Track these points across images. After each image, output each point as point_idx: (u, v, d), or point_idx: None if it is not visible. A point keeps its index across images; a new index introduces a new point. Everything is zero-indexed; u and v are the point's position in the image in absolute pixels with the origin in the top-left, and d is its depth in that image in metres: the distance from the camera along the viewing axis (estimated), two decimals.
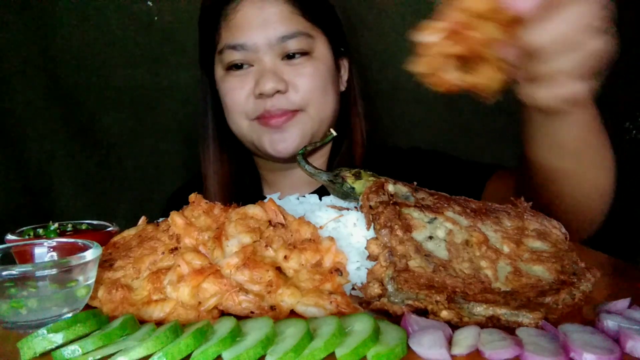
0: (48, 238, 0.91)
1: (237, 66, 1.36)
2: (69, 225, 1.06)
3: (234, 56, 1.35)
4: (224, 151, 1.52)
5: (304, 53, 1.35)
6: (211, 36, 1.41)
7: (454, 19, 0.70)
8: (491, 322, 0.68)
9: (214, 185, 1.50)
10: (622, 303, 0.71)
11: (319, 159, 1.50)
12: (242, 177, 1.56)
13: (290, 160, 1.40)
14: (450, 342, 0.62)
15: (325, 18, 1.42)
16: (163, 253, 0.82)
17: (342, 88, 1.50)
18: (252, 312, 0.72)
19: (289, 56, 1.34)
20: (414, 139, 1.94)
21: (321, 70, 1.37)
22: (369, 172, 0.95)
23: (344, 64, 1.50)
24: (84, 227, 1.06)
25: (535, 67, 0.74)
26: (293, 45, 1.33)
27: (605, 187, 1.05)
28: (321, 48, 1.39)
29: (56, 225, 1.04)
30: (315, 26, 1.38)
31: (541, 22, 0.70)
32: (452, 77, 0.72)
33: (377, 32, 2.00)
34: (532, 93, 0.78)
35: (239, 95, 1.36)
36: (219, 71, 1.41)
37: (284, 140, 1.35)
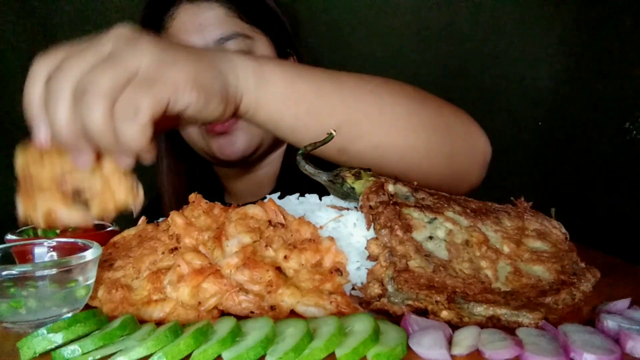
0: (48, 238, 0.90)
1: None
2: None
3: None
4: (180, 163, 1.50)
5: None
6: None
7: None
8: (491, 322, 0.68)
9: (170, 198, 1.48)
10: (622, 303, 0.71)
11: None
12: (202, 187, 1.54)
13: (244, 165, 1.39)
14: (450, 342, 0.62)
15: (265, 19, 1.40)
16: (163, 253, 0.82)
17: None
18: (252, 312, 0.72)
19: None
20: None
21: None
22: (369, 172, 0.95)
23: (291, 60, 1.48)
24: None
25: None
26: (231, 47, 1.31)
27: (417, 129, 0.95)
28: (261, 49, 1.37)
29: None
30: (254, 27, 1.36)
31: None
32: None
33: (377, 33, 2.00)
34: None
35: None
36: None
37: (232, 144, 1.34)
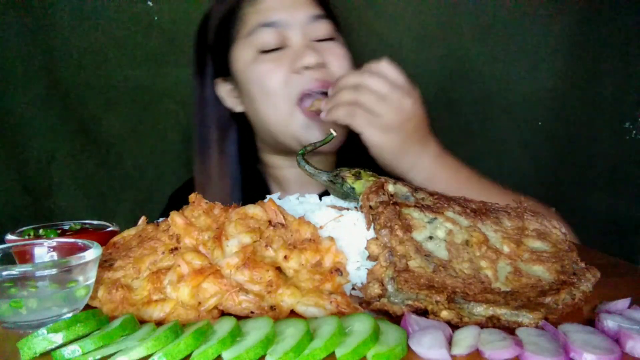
0: (48, 238, 0.90)
1: (267, 52, 1.35)
2: (69, 225, 1.06)
3: (267, 34, 1.34)
4: (226, 155, 1.50)
5: (330, 39, 1.38)
6: (232, 25, 1.40)
7: None
8: (491, 322, 0.68)
9: (217, 189, 1.47)
10: (622, 303, 0.71)
11: (324, 161, 1.49)
12: (247, 178, 1.54)
13: (330, 151, 1.41)
14: (450, 342, 0.62)
15: (337, 17, 1.46)
16: (163, 253, 0.82)
17: None
18: (252, 312, 0.72)
19: (317, 41, 1.37)
20: None
21: (348, 55, 1.41)
22: (369, 172, 0.95)
23: None
24: (83, 227, 1.06)
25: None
26: (322, 27, 1.37)
27: None
28: (341, 38, 1.43)
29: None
30: (331, 19, 1.42)
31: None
32: None
33: (377, 33, 2.00)
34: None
35: (278, 76, 1.33)
36: (245, 56, 1.38)
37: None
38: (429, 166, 1.26)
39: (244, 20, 1.38)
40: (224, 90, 1.49)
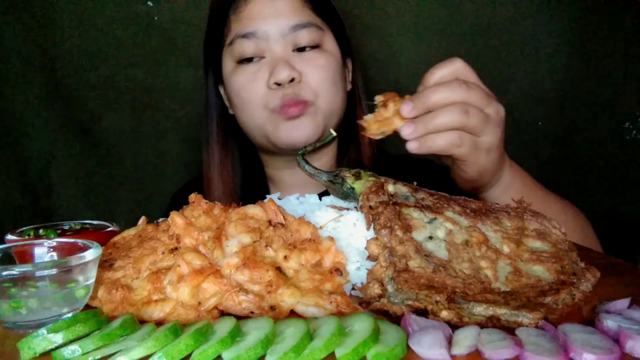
0: (48, 238, 0.90)
1: (248, 60, 1.35)
2: (69, 225, 1.06)
3: (245, 46, 1.34)
4: (228, 152, 1.52)
5: (314, 46, 1.36)
6: (220, 31, 1.40)
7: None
8: (491, 322, 0.68)
9: (219, 187, 1.50)
10: (622, 303, 0.71)
11: (326, 162, 1.50)
12: (247, 178, 1.55)
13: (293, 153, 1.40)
14: (450, 342, 0.62)
15: (332, 15, 1.43)
16: (163, 253, 0.82)
17: (348, 87, 1.50)
18: (252, 312, 0.72)
19: (299, 49, 1.35)
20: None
21: (331, 63, 1.38)
22: (368, 172, 0.95)
23: (348, 64, 1.51)
24: (83, 227, 1.06)
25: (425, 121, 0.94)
26: (304, 36, 1.34)
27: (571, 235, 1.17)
28: (330, 42, 1.40)
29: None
30: (324, 21, 1.39)
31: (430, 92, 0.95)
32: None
33: (377, 33, 2.00)
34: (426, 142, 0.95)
35: (255, 87, 1.34)
36: (228, 65, 1.40)
37: (299, 129, 1.34)
38: (507, 177, 1.14)
39: (229, 28, 1.38)
40: (222, 93, 1.52)
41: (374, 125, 0.97)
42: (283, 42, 1.33)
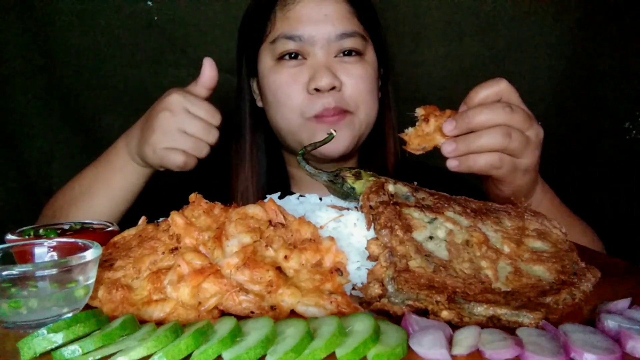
0: (48, 238, 0.90)
1: (290, 56, 1.34)
2: (69, 225, 1.06)
3: (289, 46, 1.33)
4: (256, 146, 1.51)
5: (357, 53, 1.36)
6: (262, 24, 1.39)
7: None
8: (491, 322, 0.68)
9: (247, 181, 1.48)
10: (623, 303, 0.71)
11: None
12: (271, 174, 1.54)
13: (335, 160, 1.39)
14: (450, 342, 0.62)
15: (375, 24, 1.43)
16: (163, 253, 0.82)
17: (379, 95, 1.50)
18: (252, 312, 0.72)
19: (343, 54, 1.35)
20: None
21: (370, 74, 1.38)
22: (369, 172, 0.95)
23: (380, 72, 1.51)
24: (84, 227, 1.06)
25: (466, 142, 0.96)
26: (349, 43, 1.34)
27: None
28: (371, 52, 1.40)
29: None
30: (368, 31, 1.39)
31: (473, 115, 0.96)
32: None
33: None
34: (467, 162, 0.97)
35: (293, 90, 1.34)
36: (267, 62, 1.39)
37: (336, 140, 1.34)
38: (538, 195, 1.16)
39: (273, 24, 1.37)
40: (254, 86, 1.51)
41: (415, 140, 0.99)
42: (327, 48, 1.33)
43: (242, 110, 1.51)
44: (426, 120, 0.99)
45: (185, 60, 1.95)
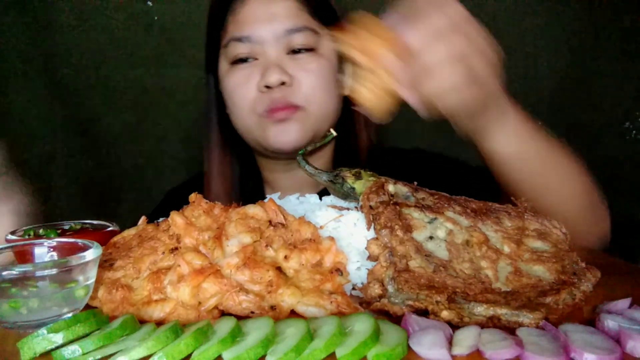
0: (48, 238, 0.90)
1: (242, 60, 1.36)
2: (69, 225, 1.06)
3: (239, 49, 1.34)
4: (227, 152, 1.52)
5: (309, 49, 1.36)
6: (217, 33, 1.41)
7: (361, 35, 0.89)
8: (492, 322, 0.68)
9: (217, 187, 1.50)
10: (623, 303, 0.71)
11: (320, 159, 1.50)
12: (245, 178, 1.55)
13: (291, 157, 1.39)
14: (450, 342, 0.62)
15: (331, 17, 1.42)
16: (163, 253, 0.82)
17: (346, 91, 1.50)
18: (252, 312, 0.72)
19: (294, 51, 1.35)
20: (412, 137, 1.94)
21: (325, 68, 1.38)
22: (369, 172, 0.95)
23: None
24: (83, 227, 1.06)
25: (415, 65, 0.87)
26: (299, 39, 1.34)
27: (579, 196, 1.18)
28: (326, 46, 1.40)
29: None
30: (321, 24, 1.39)
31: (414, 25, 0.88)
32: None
33: None
34: (420, 91, 0.88)
35: (246, 90, 1.35)
36: (223, 66, 1.41)
37: (287, 133, 1.34)
38: (511, 121, 1.06)
39: (225, 29, 1.39)
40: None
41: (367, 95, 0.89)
42: (277, 46, 1.33)
43: (209, 116, 1.53)
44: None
45: (185, 60, 1.96)
